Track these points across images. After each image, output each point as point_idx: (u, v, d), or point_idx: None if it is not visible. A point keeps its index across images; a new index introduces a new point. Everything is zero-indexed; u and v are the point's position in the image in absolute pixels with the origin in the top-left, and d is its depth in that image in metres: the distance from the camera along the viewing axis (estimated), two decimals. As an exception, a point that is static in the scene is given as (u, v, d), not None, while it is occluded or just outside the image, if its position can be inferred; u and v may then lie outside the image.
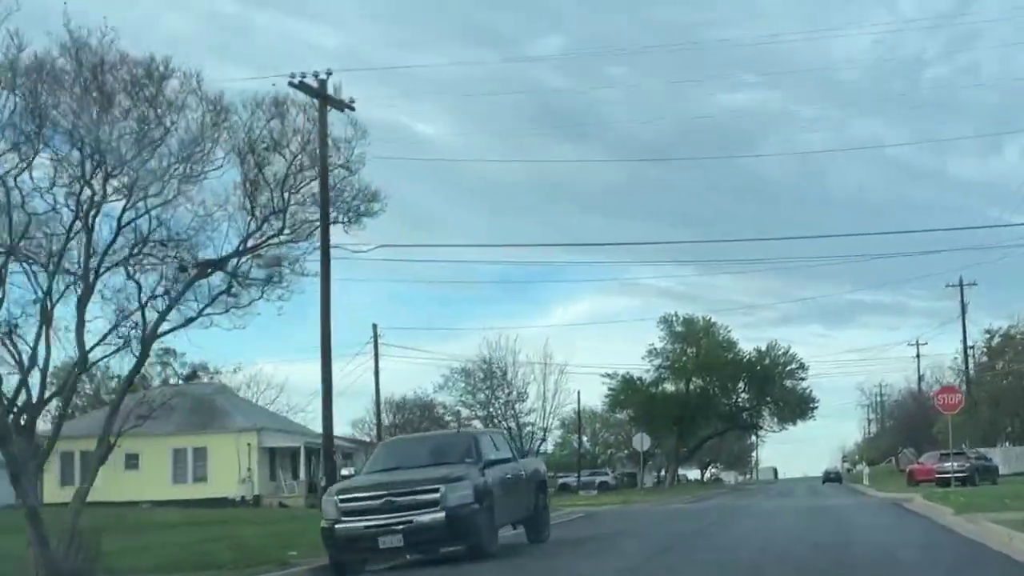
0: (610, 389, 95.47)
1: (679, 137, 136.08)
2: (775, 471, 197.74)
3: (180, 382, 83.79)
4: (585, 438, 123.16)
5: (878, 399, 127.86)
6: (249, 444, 61.76)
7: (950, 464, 59.73)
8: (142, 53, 19.15)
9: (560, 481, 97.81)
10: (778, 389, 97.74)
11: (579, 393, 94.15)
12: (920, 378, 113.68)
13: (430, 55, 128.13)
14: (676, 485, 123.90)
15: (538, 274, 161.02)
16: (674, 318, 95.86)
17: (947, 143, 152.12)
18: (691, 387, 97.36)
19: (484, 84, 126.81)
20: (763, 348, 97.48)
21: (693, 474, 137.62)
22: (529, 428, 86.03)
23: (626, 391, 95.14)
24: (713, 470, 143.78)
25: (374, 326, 59.14)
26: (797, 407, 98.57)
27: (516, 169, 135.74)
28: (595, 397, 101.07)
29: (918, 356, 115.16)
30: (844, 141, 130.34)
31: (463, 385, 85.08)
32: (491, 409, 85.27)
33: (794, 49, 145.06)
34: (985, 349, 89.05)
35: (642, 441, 56.40)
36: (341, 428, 66.90)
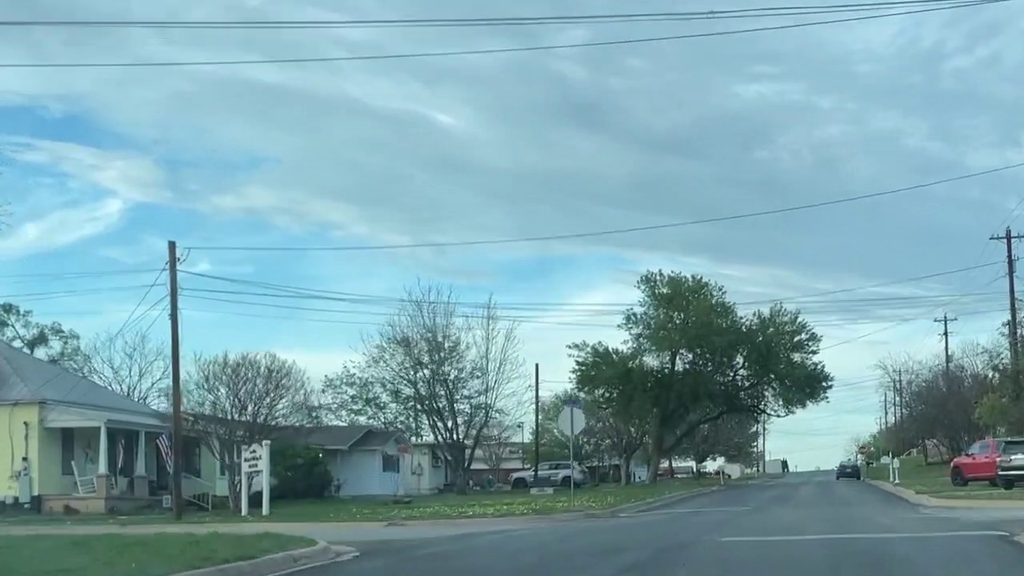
0: (577, 363, 76.19)
1: (697, 129, 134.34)
2: (784, 464, 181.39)
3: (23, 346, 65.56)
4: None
5: (899, 381, 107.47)
6: (27, 423, 42.79)
7: (1020, 457, 40.89)
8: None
9: (515, 476, 78.71)
10: (784, 364, 78.17)
11: (536, 367, 74.75)
12: (948, 358, 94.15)
13: (452, 47, 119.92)
14: (661, 480, 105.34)
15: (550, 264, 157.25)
16: (657, 277, 76.53)
17: (965, 135, 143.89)
18: (678, 361, 77.97)
19: (504, 75, 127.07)
20: (765, 314, 78.02)
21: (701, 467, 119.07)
22: (474, 410, 66.68)
23: (597, 365, 75.75)
24: (711, 463, 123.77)
25: (171, 244, 39.75)
26: (807, 386, 78.81)
27: (531, 158, 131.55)
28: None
29: (945, 333, 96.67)
30: (862, 133, 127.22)
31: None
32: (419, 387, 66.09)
33: (814, 41, 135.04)
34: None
35: (572, 418, 36.63)
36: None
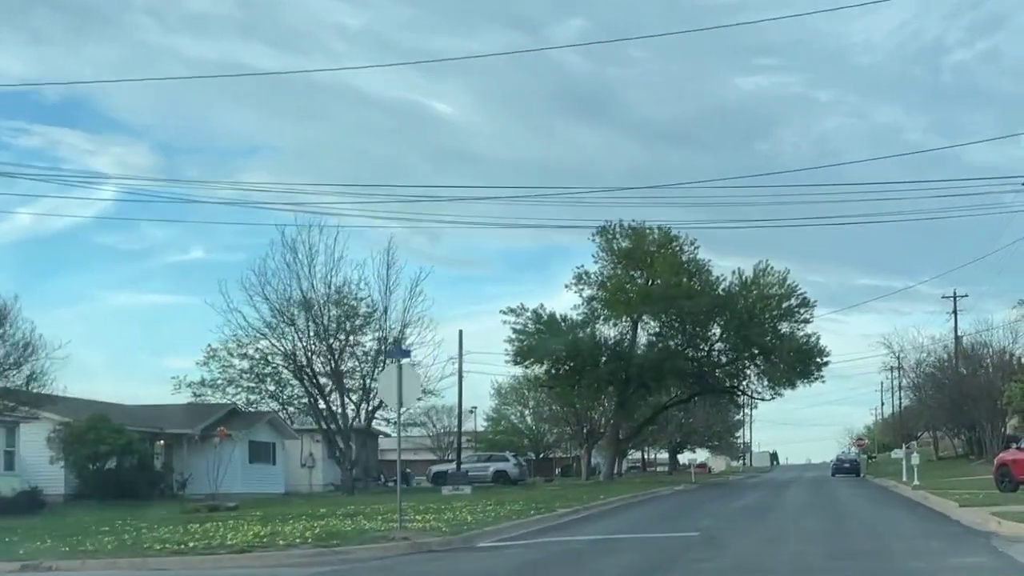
0: (514, 330, 60.41)
1: (698, 121, 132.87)
2: (773, 456, 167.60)
3: None
4: (526, 411, 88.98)
5: (902, 362, 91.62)
6: None
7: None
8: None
9: (433, 470, 62.93)
10: (769, 336, 62.45)
11: (460, 332, 58.76)
12: (958, 338, 78.66)
13: (452, 36, 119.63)
14: (630, 475, 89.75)
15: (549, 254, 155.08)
16: (616, 227, 60.75)
17: (965, 129, 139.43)
18: (639, 330, 62.25)
19: (504, 65, 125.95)
20: (748, 274, 62.23)
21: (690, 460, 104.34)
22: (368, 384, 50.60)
23: (539, 334, 59.97)
24: (692, 454, 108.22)
25: None
26: (797, 363, 62.99)
27: (532, 150, 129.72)
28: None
29: (955, 312, 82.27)
30: (863, 127, 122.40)
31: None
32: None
33: (814, 33, 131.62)
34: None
35: (398, 379, 20.50)
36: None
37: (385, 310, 50.46)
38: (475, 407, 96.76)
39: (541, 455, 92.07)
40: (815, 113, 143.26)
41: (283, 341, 50.00)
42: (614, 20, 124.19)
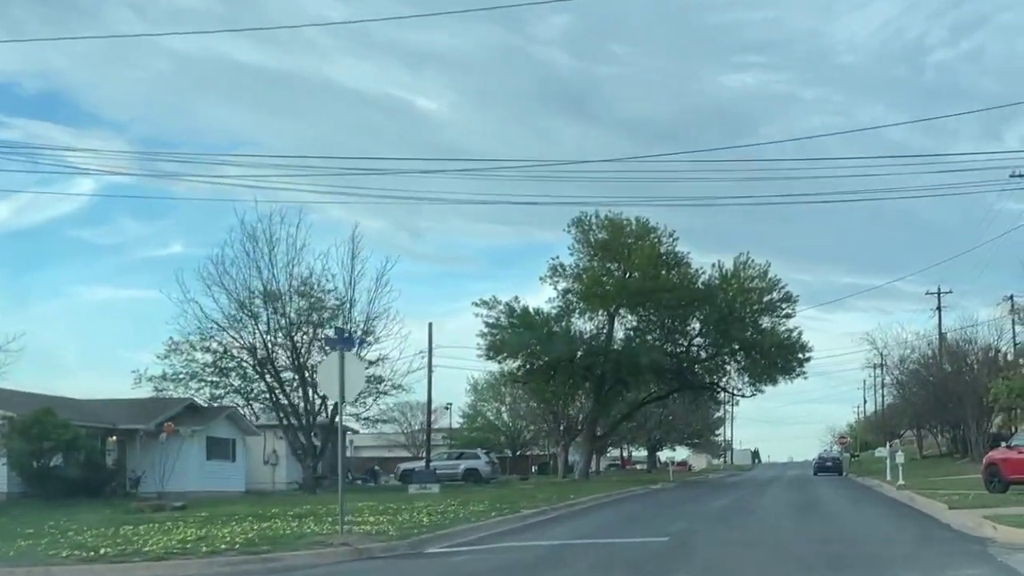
0: (487, 324, 58.46)
1: (682, 118, 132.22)
2: (755, 454, 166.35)
3: None
4: (503, 408, 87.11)
5: (885, 359, 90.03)
6: None
7: None
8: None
9: (401, 468, 60.98)
10: (750, 330, 60.64)
11: (430, 326, 56.83)
12: (942, 335, 77.15)
13: (435, 31, 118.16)
14: (608, 472, 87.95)
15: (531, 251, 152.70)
16: (592, 219, 58.89)
17: (947, 128, 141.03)
18: (616, 324, 60.45)
19: (488, 61, 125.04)
20: (728, 267, 60.37)
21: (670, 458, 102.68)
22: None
23: (512, 328, 58.06)
24: (672, 452, 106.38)
25: None
26: (779, 359, 61.18)
27: (517, 146, 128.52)
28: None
29: (939, 308, 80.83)
30: (846, 125, 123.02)
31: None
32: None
33: (799, 31, 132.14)
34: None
35: (340, 369, 18.67)
36: None
37: (350, 301, 48.48)
38: (450, 404, 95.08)
39: (518, 452, 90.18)
40: (799, 111, 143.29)
41: (244, 334, 47.97)
42: (599, 16, 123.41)
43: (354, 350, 22.24)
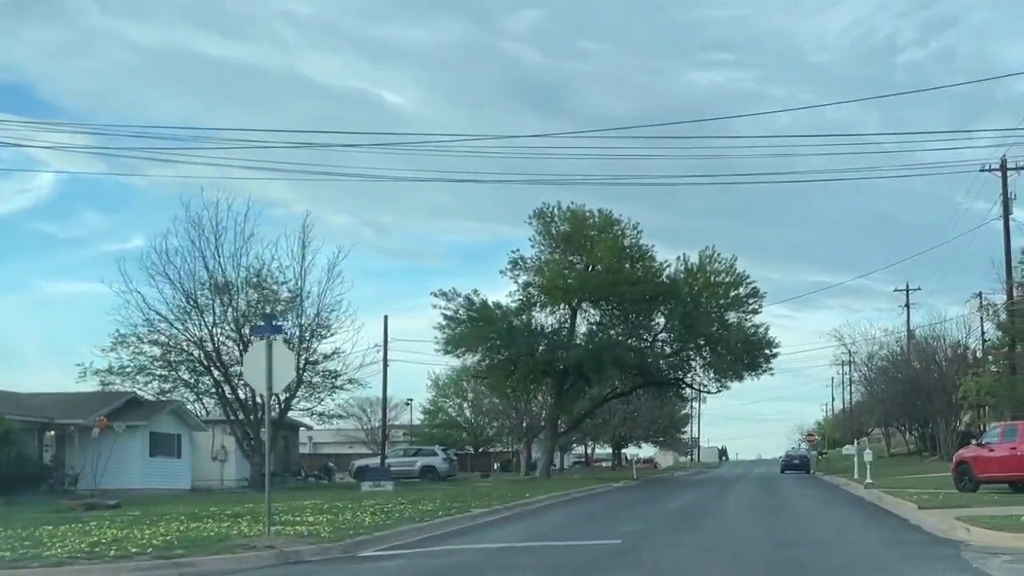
0: (445, 317, 57.11)
1: (651, 114, 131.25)
2: (723, 452, 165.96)
3: None
4: (465, 404, 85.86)
5: (850, 357, 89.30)
6: None
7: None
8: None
9: (356, 465, 59.61)
10: (716, 326, 59.52)
11: (385, 319, 55.49)
12: (911, 331, 76.54)
13: (403, 26, 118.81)
14: (573, 470, 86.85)
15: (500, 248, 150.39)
16: (555, 210, 57.63)
17: (917, 127, 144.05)
18: (578, 318, 59.29)
19: (456, 56, 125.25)
20: (694, 260, 59.22)
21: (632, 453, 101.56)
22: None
23: (471, 321, 56.74)
24: (637, 450, 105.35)
25: None
26: (745, 354, 60.11)
27: (486, 141, 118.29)
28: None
29: (907, 305, 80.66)
30: (815, 123, 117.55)
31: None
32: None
33: (768, 30, 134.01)
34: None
35: (269, 359, 17.21)
36: None
37: (300, 293, 47.05)
38: (411, 399, 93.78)
39: (480, 449, 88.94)
40: (769, 109, 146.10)
41: (190, 326, 46.44)
42: (568, 12, 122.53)
43: (280, 337, 20.59)
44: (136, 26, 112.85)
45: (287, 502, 32.77)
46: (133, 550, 17.15)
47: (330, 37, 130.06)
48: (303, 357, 47.65)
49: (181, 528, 21.90)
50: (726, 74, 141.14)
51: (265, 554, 17.39)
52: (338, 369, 50.03)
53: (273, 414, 47.23)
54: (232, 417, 47.09)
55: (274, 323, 21.41)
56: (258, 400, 46.85)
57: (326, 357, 50.07)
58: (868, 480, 39.93)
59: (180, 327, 46.37)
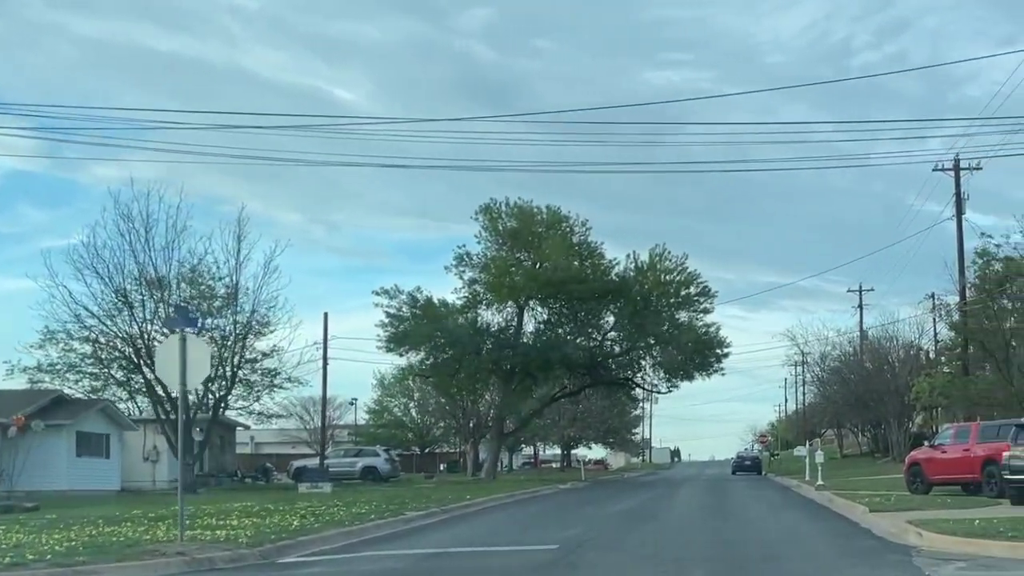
0: (388, 314, 56.08)
1: (607, 114, 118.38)
2: (675, 453, 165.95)
3: None
4: (411, 404, 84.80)
5: (803, 358, 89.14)
6: None
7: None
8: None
9: (295, 466, 58.52)
10: (667, 325, 58.88)
11: (325, 316, 54.44)
12: (863, 332, 76.43)
13: (355, 22, 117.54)
14: (522, 471, 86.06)
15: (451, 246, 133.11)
16: (502, 206, 56.82)
17: (871, 130, 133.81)
18: (526, 317, 58.50)
19: (408, 52, 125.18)
20: (644, 259, 58.52)
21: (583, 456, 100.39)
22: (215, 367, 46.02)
23: (415, 319, 55.78)
24: (587, 451, 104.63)
25: None
26: (696, 354, 59.52)
27: (438, 140, 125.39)
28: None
29: (860, 306, 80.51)
30: (771, 124, 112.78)
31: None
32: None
33: (724, 30, 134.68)
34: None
35: (182, 353, 16.17)
36: None
37: (235, 288, 45.88)
38: (355, 399, 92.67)
39: (426, 450, 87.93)
40: (724, 109, 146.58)
41: (119, 322, 45.15)
42: (521, 10, 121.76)
43: (195, 330, 19.60)
44: (81, 19, 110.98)
45: (217, 504, 31.73)
46: (31, 557, 16.12)
47: (279, 32, 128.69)
48: (241, 355, 46.55)
49: (93, 532, 20.91)
50: (683, 74, 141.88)
51: (174, 561, 16.41)
52: (277, 367, 48.89)
53: (206, 413, 46.45)
54: (163, 416, 45.82)
55: (190, 315, 20.30)
56: (191, 399, 45.71)
57: (265, 355, 48.97)
58: (819, 482, 39.41)
59: (109, 323, 45.01)
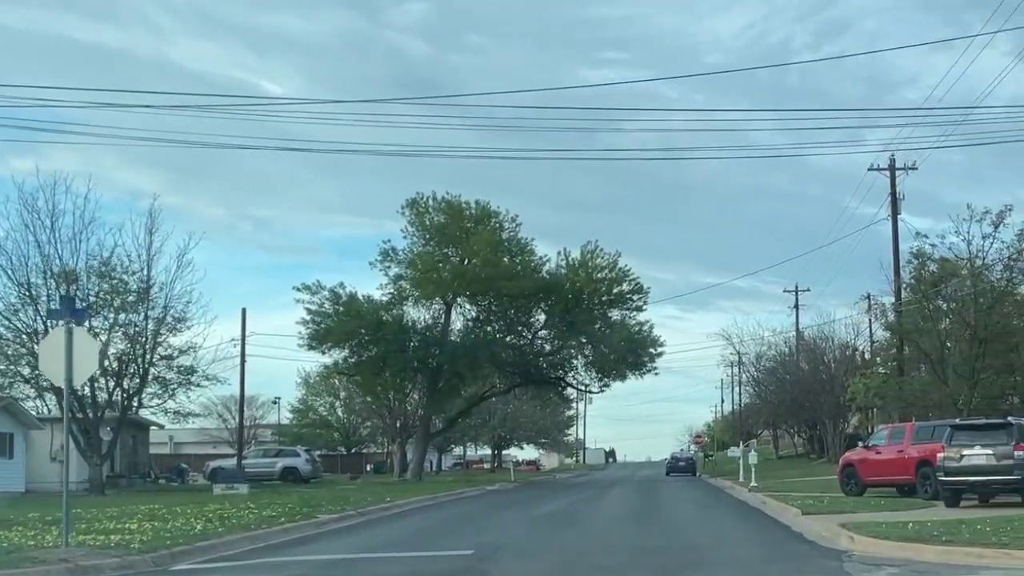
0: (309, 311, 55.03)
1: (542, 112, 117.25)
2: (610, 454, 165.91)
3: None
4: (337, 403, 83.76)
5: (739, 358, 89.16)
6: None
7: (984, 452, 25.08)
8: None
9: (211, 466, 57.33)
10: (599, 323, 58.39)
11: (244, 311, 53.38)
12: (799, 332, 76.56)
13: (286, 15, 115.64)
14: (441, 473, 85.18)
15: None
16: (429, 201, 56.02)
17: (809, 133, 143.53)
18: (454, 314, 57.76)
19: (339, 46, 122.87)
20: (575, 255, 57.93)
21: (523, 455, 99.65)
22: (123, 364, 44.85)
23: (337, 316, 54.79)
24: (520, 451, 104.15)
25: None
26: (629, 353, 59.03)
27: (368, 136, 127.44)
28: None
29: (796, 306, 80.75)
30: (708, 125, 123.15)
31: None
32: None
33: (662, 30, 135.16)
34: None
35: (68, 348, 15.27)
36: None
37: (147, 282, 44.64)
38: (279, 397, 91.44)
39: (353, 450, 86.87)
40: (664, 108, 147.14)
41: (23, 316, 43.76)
42: (456, 5, 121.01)
43: (79, 321, 18.61)
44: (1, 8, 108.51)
45: (123, 507, 30.80)
46: None
47: (207, 24, 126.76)
48: (151, 351, 45.35)
49: (-23, 538, 19.83)
50: (620, 72, 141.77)
51: (55, 569, 15.49)
52: (193, 365, 47.70)
53: (115, 412, 45.22)
54: (70, 414, 44.33)
55: (76, 308, 19.27)
56: (98, 397, 44.50)
57: (181, 352, 47.77)
58: (753, 483, 39.09)
59: (13, 318, 43.62)
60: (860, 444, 35.54)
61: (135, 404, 46.73)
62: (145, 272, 44.80)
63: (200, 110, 42.27)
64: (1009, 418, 27.63)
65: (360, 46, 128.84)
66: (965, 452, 25.11)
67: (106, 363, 44.86)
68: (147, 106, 36.62)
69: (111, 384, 45.48)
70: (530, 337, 60.32)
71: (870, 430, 51.61)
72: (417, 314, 57.53)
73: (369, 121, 54.70)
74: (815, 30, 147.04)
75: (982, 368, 40.79)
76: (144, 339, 45.94)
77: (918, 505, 26.19)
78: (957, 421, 28.65)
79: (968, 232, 40.34)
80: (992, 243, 40.68)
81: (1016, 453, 24.59)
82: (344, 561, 17.39)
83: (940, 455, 25.69)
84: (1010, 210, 40.35)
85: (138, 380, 45.70)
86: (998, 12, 68.65)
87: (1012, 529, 16.97)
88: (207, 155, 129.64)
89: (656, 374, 61.96)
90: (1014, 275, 43.10)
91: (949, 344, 44.36)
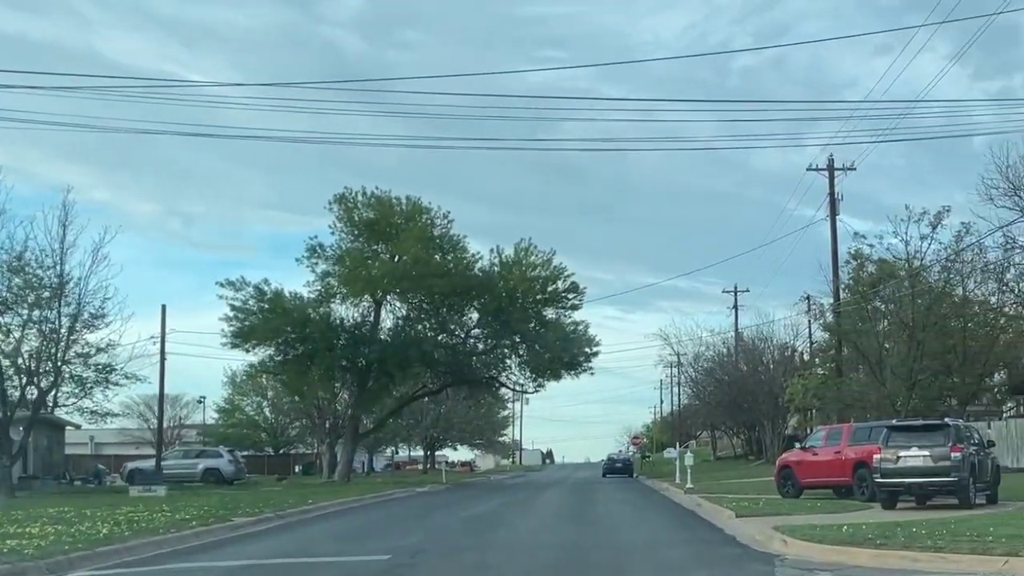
0: (233, 307, 54.05)
1: (480, 110, 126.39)
2: (548, 455, 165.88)
3: None
4: (264, 403, 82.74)
5: (677, 359, 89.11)
6: None
7: (920, 454, 24.97)
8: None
9: (129, 467, 56.16)
10: (534, 322, 57.91)
11: (163, 308, 52.33)
12: (739, 335, 76.65)
13: (218, 7, 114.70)
14: (371, 474, 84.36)
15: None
16: (358, 196, 55.32)
17: (752, 135, 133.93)
18: (383, 313, 57.06)
19: (272, 40, 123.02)
20: (509, 253, 57.40)
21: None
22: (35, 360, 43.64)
23: (261, 313, 53.85)
24: (454, 452, 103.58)
25: None
26: (564, 352, 58.54)
27: (297, 125, 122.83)
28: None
29: (736, 307, 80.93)
30: (649, 125, 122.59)
31: None
32: None
33: (603, 28, 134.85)
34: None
35: None
36: None
37: (61, 278, 43.41)
38: (204, 397, 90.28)
39: (281, 451, 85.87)
40: (602, 108, 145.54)
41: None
42: (392, 0, 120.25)
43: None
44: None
45: (31, 510, 29.72)
46: None
47: (136, 15, 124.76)
48: (65, 349, 44.14)
49: None
50: (560, 71, 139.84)
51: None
52: (110, 363, 46.50)
53: (26, 411, 44.00)
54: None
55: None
56: (9, 395, 43.25)
57: (99, 349, 46.55)
58: (689, 484, 38.74)
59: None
60: (797, 445, 35.43)
61: (49, 403, 45.51)
62: (58, 267, 43.54)
63: (124, 97, 40.78)
64: (946, 419, 27.55)
65: (294, 40, 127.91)
66: (902, 453, 24.93)
67: (19, 360, 43.77)
68: (59, 87, 35.45)
69: (24, 381, 44.24)
70: (463, 336, 59.71)
71: (808, 431, 51.69)
72: (345, 312, 56.74)
73: (295, 108, 53.84)
74: (755, 31, 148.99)
75: (920, 369, 40.88)
76: (58, 336, 44.74)
77: (855, 507, 25.98)
78: (894, 422, 28.49)
79: (906, 233, 40.62)
80: (930, 244, 40.99)
81: (952, 454, 24.47)
82: (251, 567, 16.72)
83: (877, 456, 25.52)
84: (948, 212, 40.62)
85: (52, 378, 44.48)
86: (935, 13, 68.94)
87: (948, 532, 16.65)
88: (137, 150, 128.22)
89: (592, 374, 61.70)
90: (951, 276, 43.36)
91: (887, 345, 44.51)
